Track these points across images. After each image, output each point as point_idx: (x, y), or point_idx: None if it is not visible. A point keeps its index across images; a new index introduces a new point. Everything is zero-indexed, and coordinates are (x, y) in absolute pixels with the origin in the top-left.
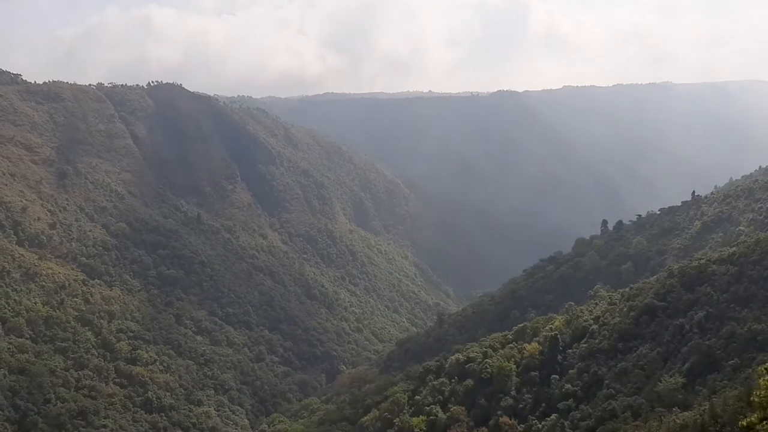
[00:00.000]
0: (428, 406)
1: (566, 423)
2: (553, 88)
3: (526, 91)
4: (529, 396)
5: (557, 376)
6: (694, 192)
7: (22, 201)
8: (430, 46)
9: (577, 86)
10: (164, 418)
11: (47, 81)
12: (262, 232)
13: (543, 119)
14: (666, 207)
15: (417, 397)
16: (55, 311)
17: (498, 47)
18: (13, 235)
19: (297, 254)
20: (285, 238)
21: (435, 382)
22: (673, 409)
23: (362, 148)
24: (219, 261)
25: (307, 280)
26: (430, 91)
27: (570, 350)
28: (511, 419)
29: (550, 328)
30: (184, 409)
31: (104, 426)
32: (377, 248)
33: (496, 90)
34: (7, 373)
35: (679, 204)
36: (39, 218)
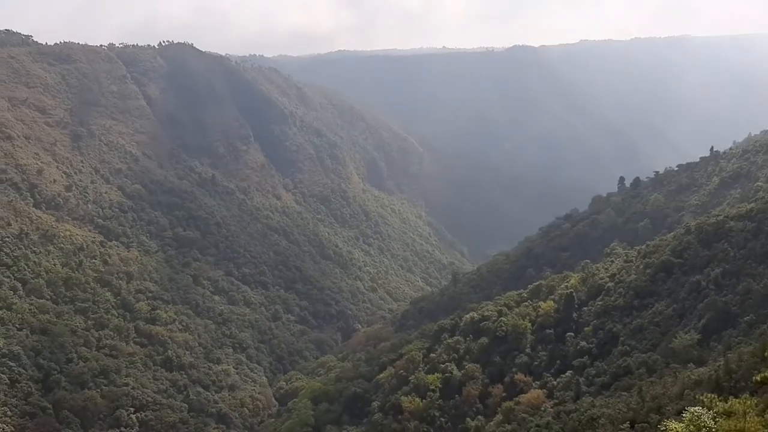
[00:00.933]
0: (443, 364)
1: (581, 380)
2: (570, 42)
3: (543, 46)
4: (544, 353)
5: (572, 334)
6: (712, 148)
7: (37, 163)
8: None
9: (595, 40)
10: (184, 376)
11: (59, 42)
12: (276, 193)
13: (560, 74)
14: (684, 163)
15: (432, 355)
16: (74, 272)
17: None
18: (29, 198)
19: (311, 214)
20: (299, 198)
21: (450, 341)
22: (688, 365)
23: (375, 107)
24: (234, 222)
25: (321, 240)
26: (444, 47)
27: (585, 308)
28: (526, 376)
29: (566, 286)
30: (204, 367)
31: (126, 384)
32: (391, 208)
33: (511, 45)
34: (29, 333)
35: (698, 160)
36: (55, 180)
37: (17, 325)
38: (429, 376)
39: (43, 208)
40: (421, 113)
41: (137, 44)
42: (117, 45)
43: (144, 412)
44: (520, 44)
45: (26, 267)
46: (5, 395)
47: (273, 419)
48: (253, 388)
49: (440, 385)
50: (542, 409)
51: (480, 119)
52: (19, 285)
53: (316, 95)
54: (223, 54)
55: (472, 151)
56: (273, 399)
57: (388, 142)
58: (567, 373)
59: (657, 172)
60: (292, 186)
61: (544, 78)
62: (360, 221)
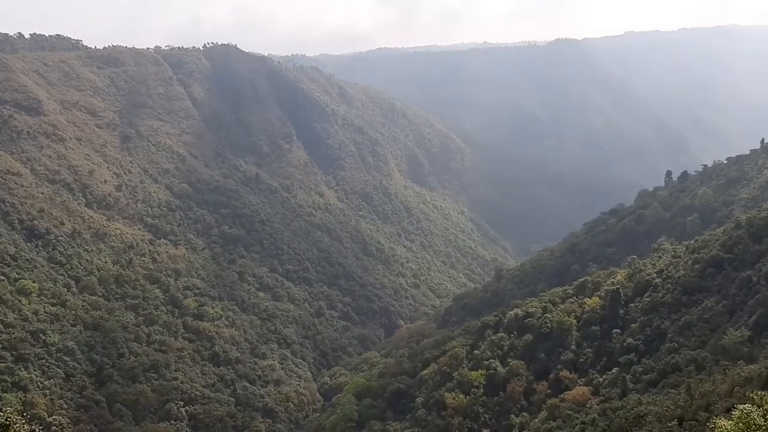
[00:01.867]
0: (487, 361)
1: (628, 377)
2: (615, 34)
3: (586, 38)
4: (590, 350)
5: (619, 330)
6: (763, 140)
7: (89, 164)
8: None
9: (640, 32)
10: (231, 370)
11: (107, 46)
12: (319, 190)
13: (604, 68)
14: (733, 156)
15: (476, 352)
16: (125, 270)
17: None
18: (81, 198)
19: (353, 211)
20: (341, 195)
21: (494, 337)
22: (738, 362)
23: (416, 103)
24: (278, 219)
25: (363, 237)
26: (485, 42)
27: (632, 304)
28: (571, 373)
29: (612, 282)
30: (250, 362)
31: (175, 378)
32: (432, 204)
33: (554, 39)
34: (83, 329)
35: (748, 152)
36: (105, 181)
37: (71, 322)
38: (473, 372)
39: (95, 208)
40: (463, 109)
41: (182, 46)
42: (163, 48)
43: (193, 405)
44: (563, 38)
45: (79, 265)
46: (61, 389)
47: (317, 414)
48: (297, 383)
49: (484, 382)
50: (588, 406)
51: (522, 115)
52: (72, 282)
53: (357, 93)
54: (266, 54)
55: (514, 146)
56: (317, 394)
57: (429, 138)
58: (613, 370)
59: (705, 165)
60: (334, 183)
61: (588, 72)
62: (402, 217)
